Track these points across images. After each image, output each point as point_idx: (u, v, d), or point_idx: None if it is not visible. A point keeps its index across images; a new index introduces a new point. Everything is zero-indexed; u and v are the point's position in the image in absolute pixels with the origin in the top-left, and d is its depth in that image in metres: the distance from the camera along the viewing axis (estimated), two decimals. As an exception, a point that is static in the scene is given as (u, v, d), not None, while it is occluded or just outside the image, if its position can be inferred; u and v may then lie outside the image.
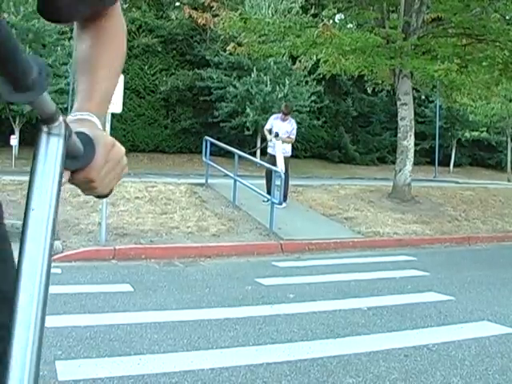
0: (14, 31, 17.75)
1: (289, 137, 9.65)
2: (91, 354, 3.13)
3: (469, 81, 11.76)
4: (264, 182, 9.57)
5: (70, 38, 18.29)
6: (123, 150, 0.84)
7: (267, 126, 9.92)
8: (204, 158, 11.15)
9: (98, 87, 0.92)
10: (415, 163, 13.35)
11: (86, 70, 0.94)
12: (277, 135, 9.48)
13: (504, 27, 10.47)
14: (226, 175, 10.29)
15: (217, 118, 22.45)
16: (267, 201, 8.67)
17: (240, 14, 11.39)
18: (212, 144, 11.13)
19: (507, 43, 10.44)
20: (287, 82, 21.21)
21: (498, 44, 10.69)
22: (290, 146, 9.71)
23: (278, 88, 21.06)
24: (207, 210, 8.75)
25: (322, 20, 11.35)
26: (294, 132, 9.76)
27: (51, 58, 18.12)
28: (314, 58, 11.99)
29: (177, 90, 23.12)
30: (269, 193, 8.73)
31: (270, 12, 17.98)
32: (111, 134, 0.86)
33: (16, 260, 0.66)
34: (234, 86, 21.65)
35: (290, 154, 9.72)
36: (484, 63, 11.09)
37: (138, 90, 23.29)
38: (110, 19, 1.00)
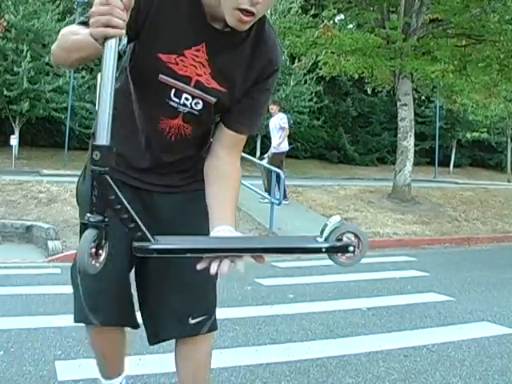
0: (14, 31, 17.72)
1: (280, 132, 9.61)
2: (91, 354, 3.09)
3: (468, 82, 11.77)
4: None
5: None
6: None
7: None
8: (204, 159, 11.12)
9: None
10: (415, 164, 13.36)
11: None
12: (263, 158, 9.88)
13: (502, 28, 10.47)
14: (226, 175, 10.26)
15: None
16: (264, 199, 8.75)
17: (240, 15, 11.38)
18: (212, 144, 11.10)
19: (505, 44, 10.44)
20: (292, 82, 21.16)
21: (496, 45, 10.69)
22: (285, 141, 9.66)
23: (281, 88, 21.02)
24: (207, 210, 8.74)
25: (323, 21, 11.35)
26: (285, 121, 9.67)
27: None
28: (314, 57, 12.00)
29: (177, 90, 23.14)
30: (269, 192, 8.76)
31: (269, 12, 17.97)
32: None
33: None
34: (234, 87, 21.64)
35: (284, 149, 9.68)
36: (480, 64, 11.10)
37: (137, 91, 23.29)
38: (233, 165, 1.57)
